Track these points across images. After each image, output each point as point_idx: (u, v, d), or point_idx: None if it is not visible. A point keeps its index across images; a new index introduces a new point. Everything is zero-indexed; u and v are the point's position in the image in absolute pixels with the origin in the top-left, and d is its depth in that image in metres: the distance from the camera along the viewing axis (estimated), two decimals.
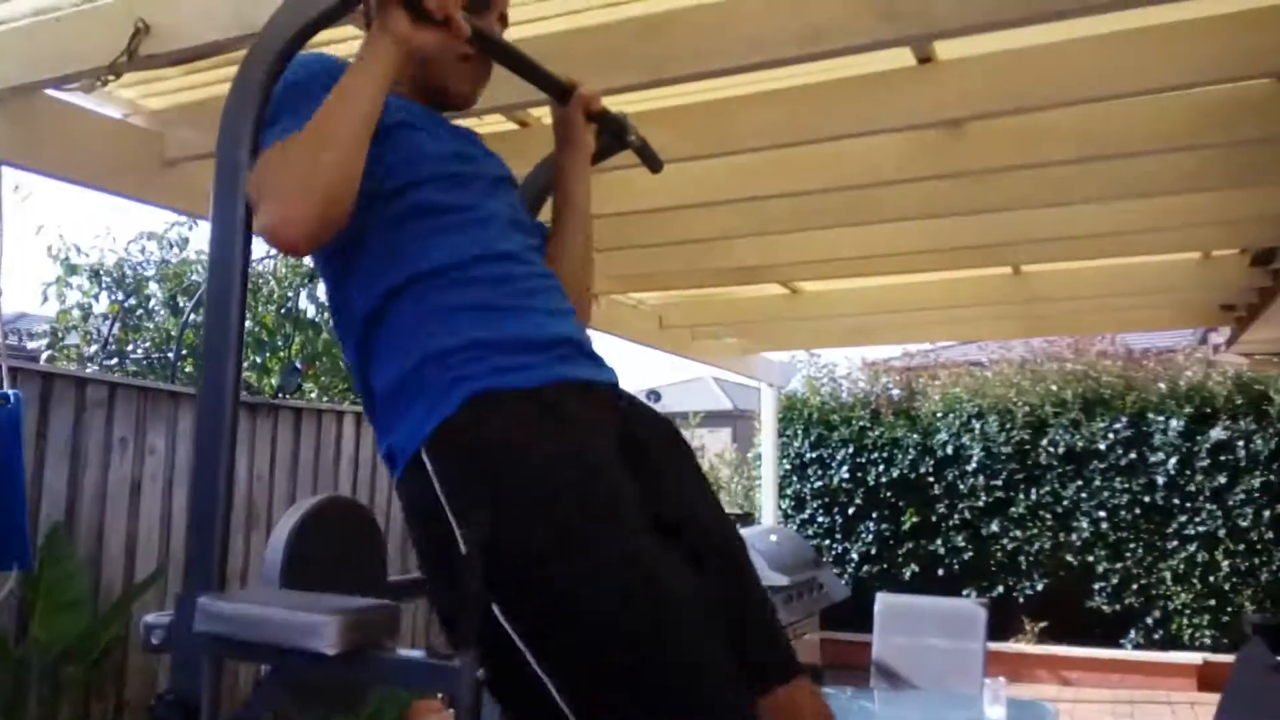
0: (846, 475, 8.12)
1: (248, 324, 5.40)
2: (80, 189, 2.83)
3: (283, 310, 5.51)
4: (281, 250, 1.31)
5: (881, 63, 2.53)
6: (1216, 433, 7.11)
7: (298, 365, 5.38)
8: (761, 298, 5.47)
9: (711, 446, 11.36)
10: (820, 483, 8.24)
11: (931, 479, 7.86)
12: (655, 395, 20.12)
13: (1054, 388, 7.68)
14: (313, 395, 5.47)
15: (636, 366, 76.76)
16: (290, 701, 1.74)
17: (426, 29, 1.31)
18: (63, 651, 3.17)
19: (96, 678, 3.47)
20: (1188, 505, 7.16)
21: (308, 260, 5.79)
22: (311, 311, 5.64)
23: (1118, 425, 7.38)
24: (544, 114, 2.89)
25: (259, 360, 5.45)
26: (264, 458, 4.29)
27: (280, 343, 5.49)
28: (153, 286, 5.55)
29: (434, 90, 1.49)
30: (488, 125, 2.96)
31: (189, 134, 2.84)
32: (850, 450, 8.15)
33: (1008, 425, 7.69)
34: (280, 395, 5.22)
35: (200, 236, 5.48)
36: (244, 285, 1.51)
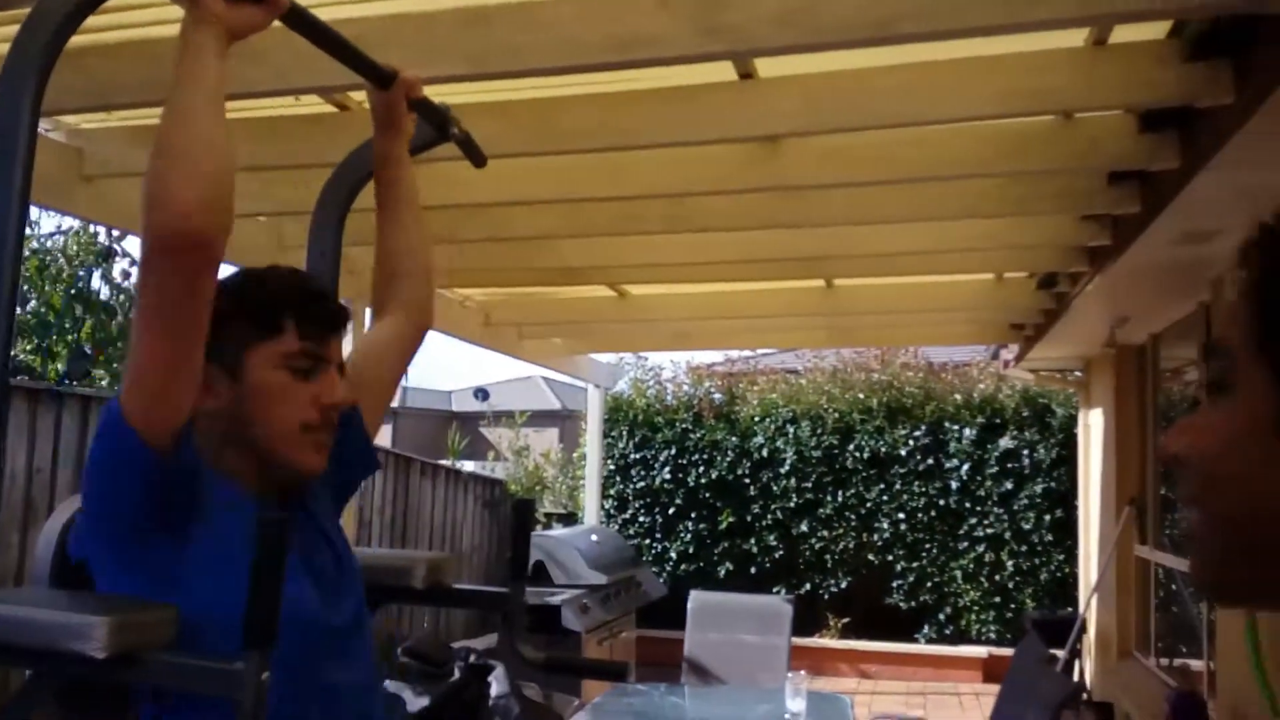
0: (668, 476, 8.29)
1: (33, 304, 4.99)
2: None
3: (72, 291, 5.10)
4: (192, 244, 1.14)
5: (704, 75, 2.60)
6: (1005, 441, 7.69)
7: (87, 350, 5.00)
8: (589, 299, 5.51)
9: (538, 446, 11.33)
10: (643, 483, 8.38)
11: (748, 480, 8.14)
12: (484, 394, 19.91)
13: (861, 396, 8.11)
14: (104, 383, 5.09)
15: (468, 363, 75.62)
16: (57, 708, 1.62)
17: (244, 5, 1.24)
18: None
19: None
20: (978, 509, 7.71)
21: (102, 238, 5.38)
22: (106, 293, 5.25)
23: (918, 433, 7.86)
24: (363, 98, 2.81)
25: (43, 344, 5.02)
26: (45, 450, 3.96)
27: (69, 325, 5.08)
28: None
29: (281, 470, 1.34)
30: (304, 106, 2.85)
31: None
32: (673, 452, 8.32)
33: (819, 430, 8.06)
34: (66, 382, 4.84)
35: None
36: (18, 259, 1.40)
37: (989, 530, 7.67)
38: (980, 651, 7.41)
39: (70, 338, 5.05)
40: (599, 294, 5.43)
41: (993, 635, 7.58)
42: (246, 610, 1.13)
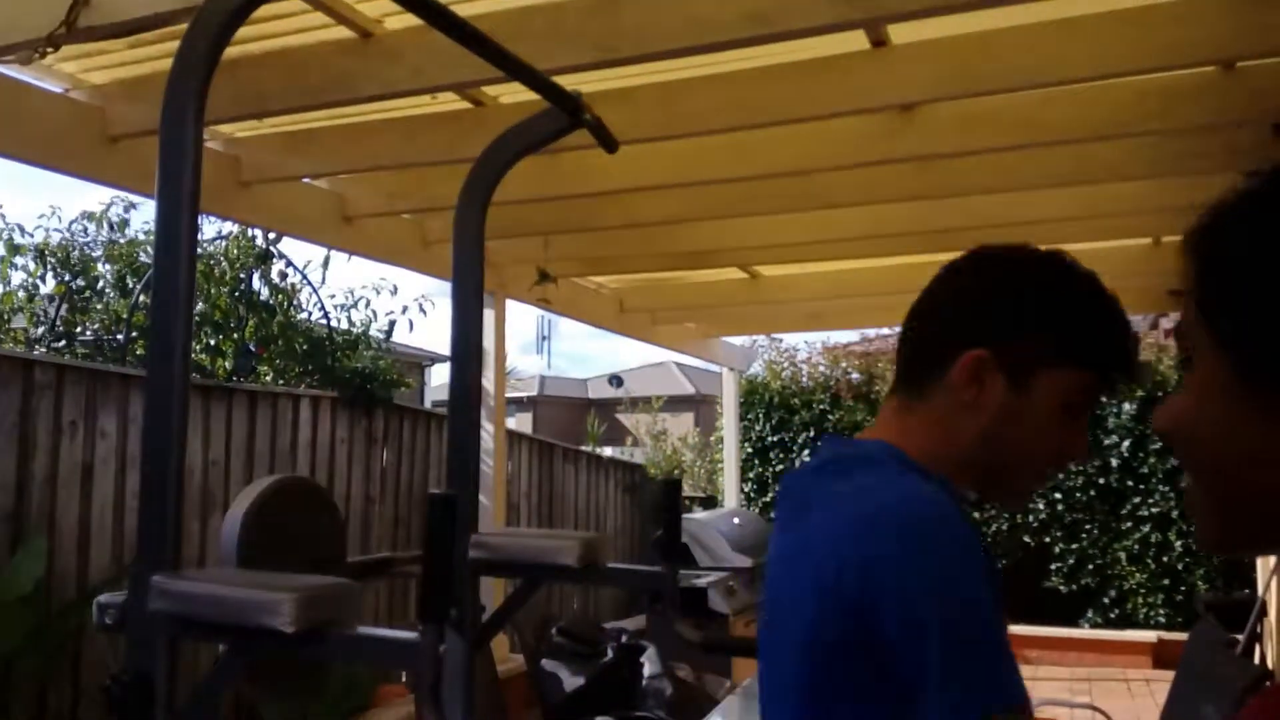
0: (808, 458, 8.19)
1: (200, 306, 5.34)
2: (21, 165, 2.76)
3: (236, 292, 5.43)
4: None
5: (835, 46, 2.55)
6: None
7: (252, 348, 5.31)
8: (720, 282, 5.50)
9: (675, 430, 11.40)
10: (782, 466, 8.31)
11: None
12: (619, 380, 20.15)
13: None
14: (268, 378, 5.41)
15: (601, 351, 76.69)
16: (249, 680, 1.74)
17: None
18: (16, 646, 3.12)
19: (51, 668, 3.42)
20: (1141, 487, 7.31)
21: (259, 241, 5.68)
22: (265, 294, 5.57)
23: None
24: (500, 91, 2.88)
25: (212, 343, 5.37)
26: (219, 442, 4.24)
27: (234, 325, 5.42)
28: (100, 267, 5.43)
29: (991, 496, 1.17)
30: (441, 105, 2.95)
31: (133, 109, 2.78)
32: (811, 434, 8.22)
33: None
34: (235, 378, 5.16)
35: (141, 215, 5.38)
36: (192, 264, 1.50)
37: (1154, 509, 7.27)
38: (1149, 636, 7.04)
39: (235, 336, 5.39)
40: (730, 276, 5.41)
41: (1162, 619, 7.19)
42: (422, 585, 1.19)
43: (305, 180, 3.63)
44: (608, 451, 10.28)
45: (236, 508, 1.69)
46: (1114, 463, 7.37)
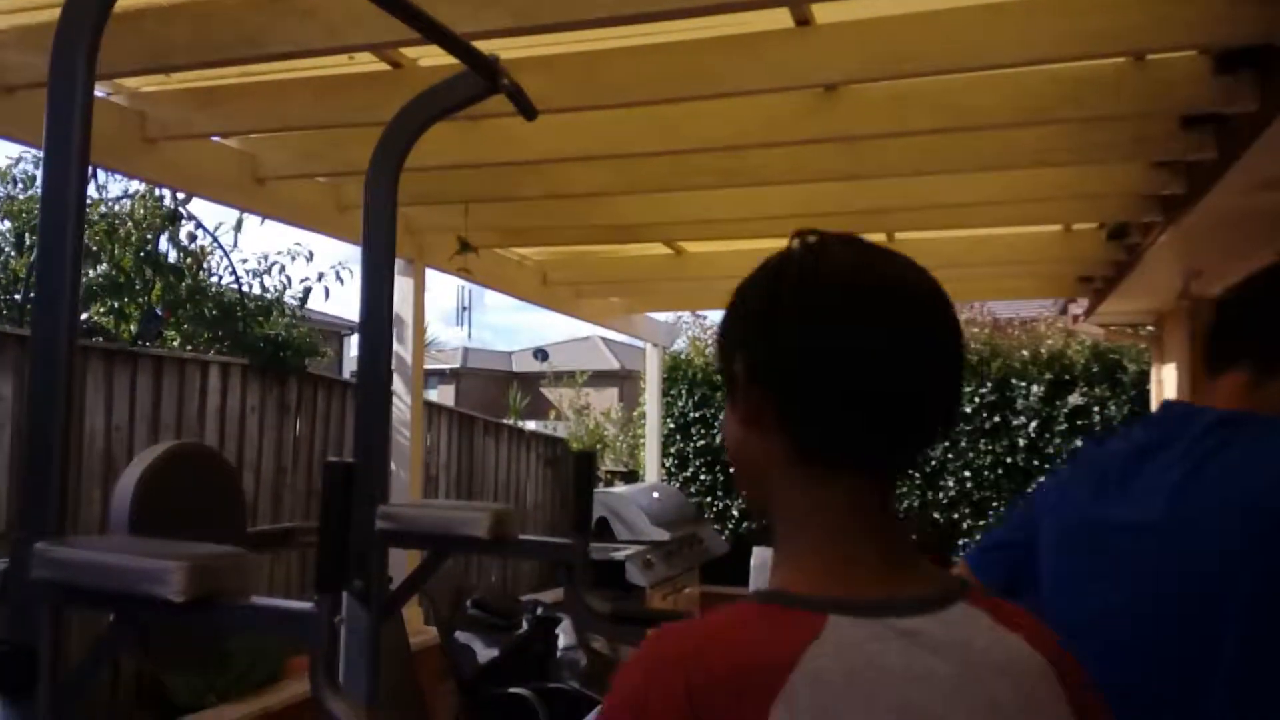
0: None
1: (104, 267, 5.14)
2: None
3: (142, 254, 5.23)
4: None
5: (760, 23, 2.55)
6: (1074, 398, 7.52)
7: (158, 312, 5.13)
8: (645, 256, 5.50)
9: (598, 405, 11.41)
10: (703, 441, 8.38)
11: None
12: (543, 354, 20.07)
13: None
14: (175, 344, 5.24)
15: (527, 324, 76.21)
16: (146, 653, 1.69)
17: None
18: None
19: None
20: (1046, 466, 7.56)
21: (168, 201, 5.47)
22: (173, 256, 5.38)
23: (984, 390, 7.72)
24: (419, 53, 2.82)
25: (116, 305, 5.17)
26: (123, 408, 4.10)
27: (139, 288, 5.22)
28: None
29: None
30: (358, 65, 2.87)
31: (28, 58, 2.64)
32: None
33: None
34: (140, 343, 4.98)
35: None
36: (80, 222, 1.44)
37: None
38: None
39: (141, 300, 5.20)
40: (656, 252, 5.41)
41: None
42: (318, 555, 1.16)
43: (215, 139, 3.50)
44: (530, 425, 10.24)
45: (129, 473, 1.64)
46: (1021, 442, 7.60)
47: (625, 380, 18.45)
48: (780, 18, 2.53)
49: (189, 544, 1.42)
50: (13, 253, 5.15)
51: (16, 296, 4.99)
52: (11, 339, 3.68)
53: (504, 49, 2.45)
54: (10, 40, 2.69)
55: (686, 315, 8.62)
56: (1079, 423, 7.52)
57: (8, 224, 5.18)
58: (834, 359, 0.78)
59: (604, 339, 21.76)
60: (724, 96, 2.85)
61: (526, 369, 21.15)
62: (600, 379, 16.53)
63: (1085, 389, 7.52)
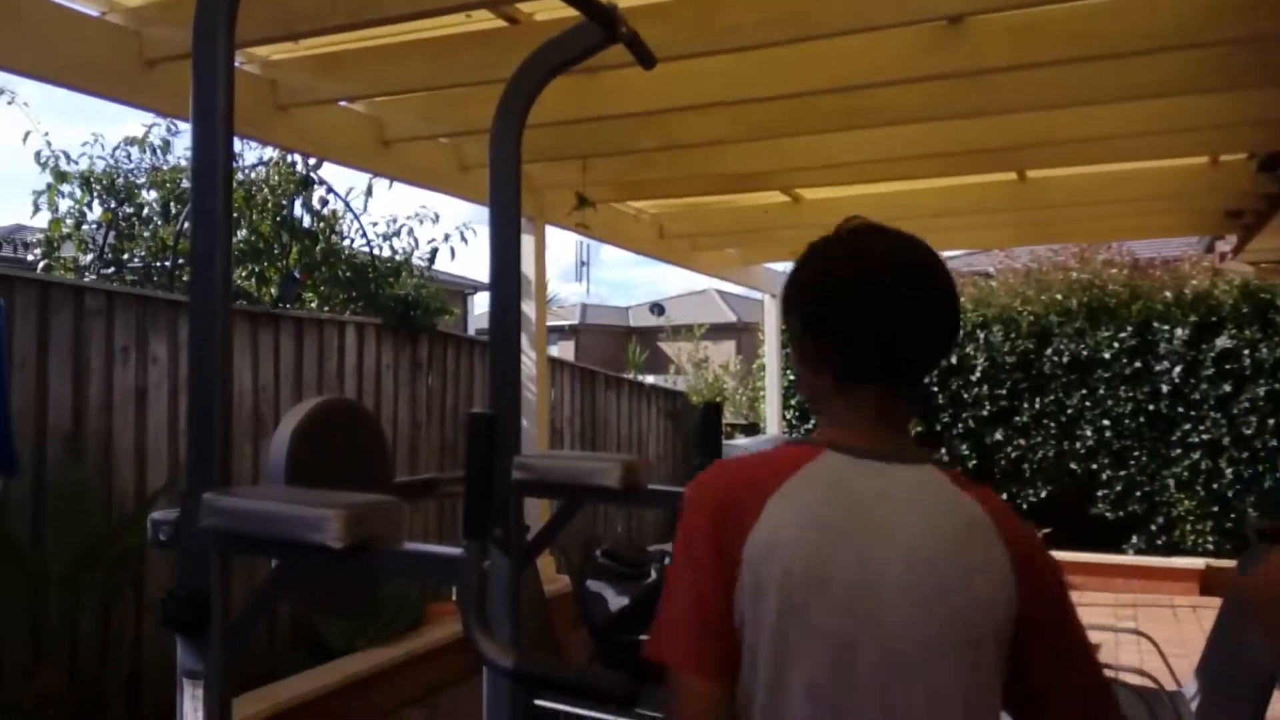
0: None
1: (244, 233, 5.38)
2: (60, 91, 2.75)
3: (278, 219, 5.45)
4: None
5: None
6: (1222, 341, 7.09)
7: (296, 275, 5.35)
8: (762, 205, 5.42)
9: (716, 359, 11.39)
10: None
11: (936, 388, 7.89)
12: (660, 308, 20.13)
13: (1059, 297, 7.64)
14: (313, 305, 5.47)
15: (642, 278, 76.40)
16: (299, 596, 1.78)
17: None
18: (80, 558, 3.24)
19: (114, 584, 3.55)
20: (1192, 414, 7.19)
21: (300, 168, 5.67)
22: (307, 221, 5.60)
23: (1123, 334, 7.36)
24: (535, 8, 2.82)
25: (257, 270, 5.42)
26: (268, 368, 4.31)
27: (277, 251, 5.45)
28: (145, 194, 5.46)
29: None
30: (475, 23, 2.89)
31: (169, 32, 2.76)
32: None
33: (1012, 334, 7.68)
34: (280, 305, 5.22)
35: (182, 143, 5.37)
36: (228, 188, 1.50)
37: (1205, 436, 7.15)
38: (1197, 563, 6.98)
39: (280, 263, 5.43)
40: (772, 200, 5.32)
41: (1210, 546, 7.12)
42: (465, 502, 1.20)
43: (342, 104, 3.60)
44: (649, 379, 10.32)
45: (283, 428, 1.72)
46: (1164, 389, 7.23)
47: (743, 333, 18.34)
48: None
49: (343, 493, 1.49)
50: (160, 221, 5.44)
51: (166, 264, 5.28)
52: (163, 304, 3.91)
53: None
54: (150, 16, 2.82)
55: None
56: (1227, 366, 7.10)
57: (155, 193, 5.46)
58: (862, 315, 1.12)
59: (720, 292, 21.64)
60: (843, 35, 2.76)
61: (644, 323, 21.25)
62: (717, 332, 16.48)
63: (1234, 331, 7.08)
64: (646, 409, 7.64)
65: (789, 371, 8.30)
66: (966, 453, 7.79)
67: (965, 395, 7.81)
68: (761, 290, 7.76)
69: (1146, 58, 3.01)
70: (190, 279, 1.52)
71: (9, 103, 4.86)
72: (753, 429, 8.63)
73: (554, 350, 17.66)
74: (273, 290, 5.38)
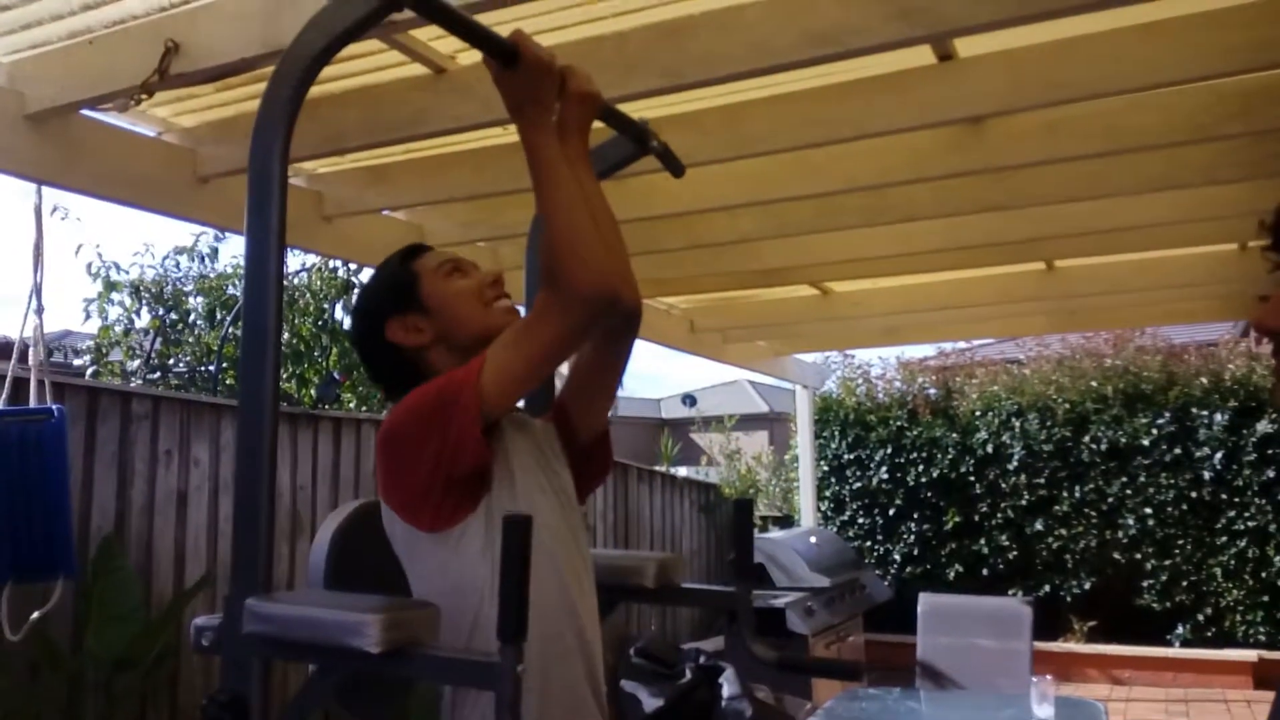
0: (885, 476, 8.08)
1: (285, 336, 5.51)
2: (116, 207, 2.91)
3: (319, 322, 5.59)
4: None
5: (901, 61, 2.54)
6: (1263, 426, 6.99)
7: (335, 376, 5.46)
8: (791, 299, 5.48)
9: (748, 449, 11.33)
10: (859, 484, 8.21)
11: (973, 478, 7.80)
12: (691, 400, 20.14)
13: (1094, 384, 7.59)
14: (351, 405, 5.56)
15: (673, 371, 76.69)
16: (337, 699, 1.79)
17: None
18: (117, 660, 3.25)
19: (150, 686, 3.55)
20: (1236, 500, 7.04)
21: (340, 273, 5.85)
22: (347, 323, 5.74)
23: (1161, 420, 7.27)
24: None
25: (297, 371, 5.55)
26: (306, 468, 4.37)
27: (317, 354, 5.59)
28: (192, 301, 5.65)
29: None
30: (512, 135, 3.00)
31: (221, 150, 2.91)
32: (889, 451, 8.11)
33: (1048, 423, 7.61)
34: (319, 406, 5.31)
35: (229, 248, 5.58)
36: (279, 296, 1.57)
37: (1251, 523, 6.99)
38: (1249, 655, 6.75)
39: (320, 365, 5.56)
40: (801, 293, 5.39)
41: (1262, 637, 6.89)
42: (500, 606, 1.22)
43: (385, 213, 3.73)
44: (682, 471, 10.26)
45: (324, 531, 1.75)
46: (1206, 475, 7.10)
47: (775, 423, 18.27)
48: (922, 55, 2.51)
49: (381, 597, 1.50)
50: (205, 326, 5.61)
51: (210, 368, 5.42)
52: (208, 408, 4.00)
53: (649, 109, 2.54)
54: (202, 135, 2.97)
55: (835, 355, 8.50)
56: (1269, 451, 6.97)
57: (200, 300, 5.64)
58: None
59: (751, 382, 21.64)
60: (868, 137, 2.85)
61: (676, 415, 21.23)
62: (749, 422, 16.43)
63: (1275, 415, 6.98)
64: (680, 502, 7.60)
65: (822, 463, 8.25)
66: (1006, 543, 7.65)
67: (1003, 485, 7.71)
68: (792, 381, 7.78)
69: (1170, 150, 3.06)
70: (240, 383, 1.57)
71: (62, 219, 5.08)
72: (787, 521, 8.54)
73: None
74: (312, 391, 5.49)
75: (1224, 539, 7.06)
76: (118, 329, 5.42)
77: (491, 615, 1.27)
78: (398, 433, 1.46)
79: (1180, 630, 7.13)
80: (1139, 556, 7.28)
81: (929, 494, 7.92)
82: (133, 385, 4.99)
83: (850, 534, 8.15)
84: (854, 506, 8.23)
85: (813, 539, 6.70)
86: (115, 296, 5.36)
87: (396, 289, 1.62)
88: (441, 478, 1.42)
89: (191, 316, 5.58)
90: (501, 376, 1.38)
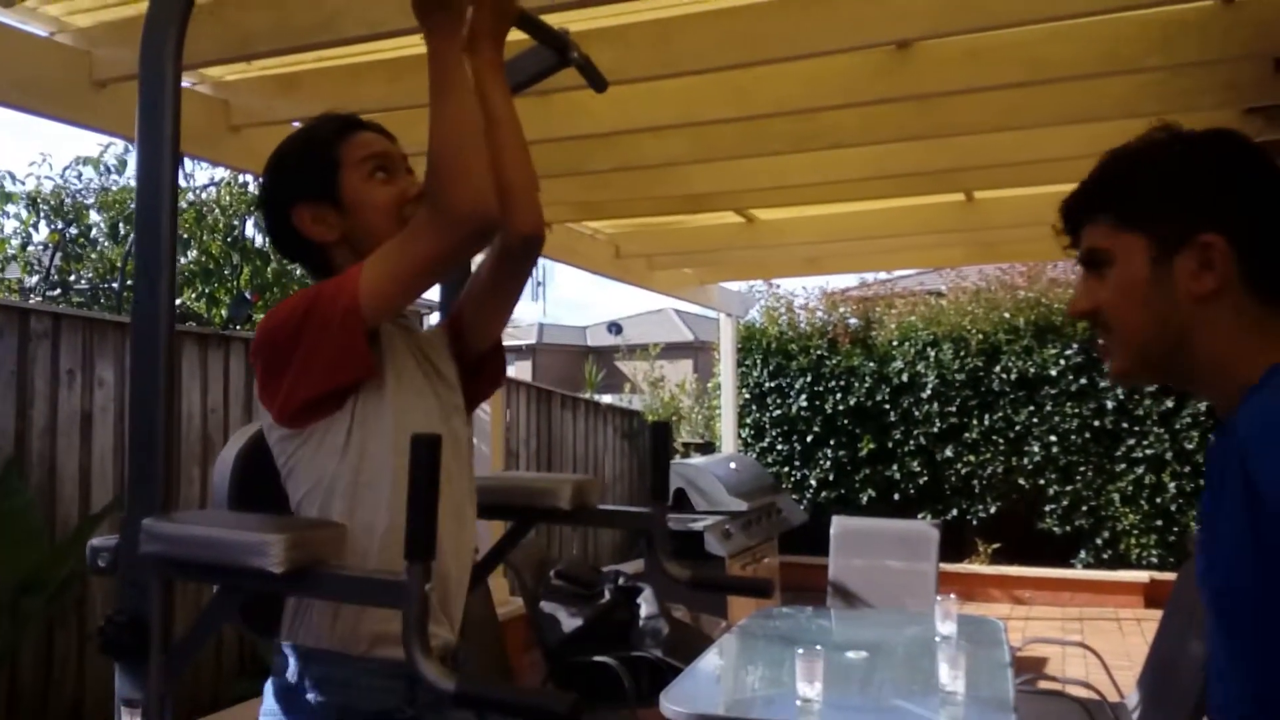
0: (805, 404, 8.22)
1: (194, 254, 5.32)
2: (6, 112, 2.73)
3: (229, 239, 5.40)
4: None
5: None
6: None
7: (247, 295, 5.30)
8: (717, 226, 5.46)
9: (673, 377, 11.42)
10: (779, 411, 8.35)
11: (888, 406, 7.99)
12: (617, 327, 20.15)
13: (1007, 315, 7.79)
14: None
15: (600, 299, 76.55)
16: (246, 622, 1.76)
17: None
18: (20, 584, 3.16)
19: (57, 609, 3.47)
20: (1136, 429, 7.35)
21: (251, 188, 5.66)
22: (258, 241, 5.55)
23: (1069, 351, 7.52)
24: None
25: (207, 291, 5.36)
26: (217, 390, 4.25)
27: (228, 272, 5.40)
28: (94, 215, 5.39)
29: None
30: None
31: (118, 52, 2.74)
32: (809, 379, 8.24)
33: (962, 353, 7.81)
34: (230, 326, 5.15)
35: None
36: (174, 208, 1.49)
37: (1149, 451, 7.31)
38: (1141, 576, 7.13)
39: (230, 284, 5.38)
40: (727, 220, 5.37)
41: (1154, 560, 7.27)
42: (408, 525, 1.19)
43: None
44: (606, 398, 10.31)
45: (227, 451, 1.69)
46: (1109, 405, 7.39)
47: (699, 351, 18.42)
48: None
49: (286, 518, 1.47)
50: (108, 242, 5.36)
51: (114, 285, 5.20)
52: (110, 326, 3.84)
53: (571, 20, 2.45)
54: (98, 36, 2.79)
55: (759, 284, 8.56)
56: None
57: (103, 214, 5.38)
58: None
59: (677, 310, 21.73)
60: (797, 59, 2.81)
61: (601, 343, 21.25)
62: (674, 351, 16.54)
63: None
64: (603, 429, 7.63)
65: (744, 390, 8.36)
66: (918, 469, 7.89)
67: (916, 412, 7.92)
68: (717, 309, 7.81)
69: (1091, 81, 3.10)
70: (134, 300, 1.49)
71: None
72: (708, 448, 8.66)
73: (511, 370, 17.57)
74: (223, 311, 5.31)
75: (1123, 466, 7.39)
76: (14, 243, 5.14)
77: (340, 510, 1.36)
78: (273, 340, 1.40)
79: (1081, 554, 7.48)
80: (1042, 482, 7.59)
81: (846, 421, 8.10)
82: (31, 302, 4.76)
83: (769, 460, 8.31)
84: (773, 433, 8.37)
85: (732, 464, 6.81)
86: (10, 209, 5.08)
87: (314, 173, 1.53)
88: (317, 391, 1.38)
89: (93, 231, 5.32)
90: (373, 291, 1.34)
